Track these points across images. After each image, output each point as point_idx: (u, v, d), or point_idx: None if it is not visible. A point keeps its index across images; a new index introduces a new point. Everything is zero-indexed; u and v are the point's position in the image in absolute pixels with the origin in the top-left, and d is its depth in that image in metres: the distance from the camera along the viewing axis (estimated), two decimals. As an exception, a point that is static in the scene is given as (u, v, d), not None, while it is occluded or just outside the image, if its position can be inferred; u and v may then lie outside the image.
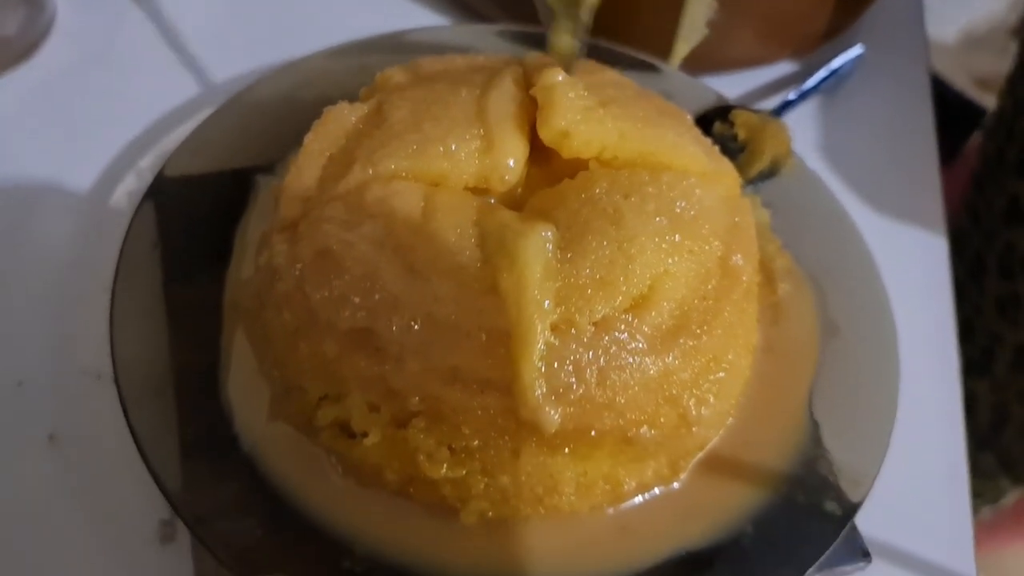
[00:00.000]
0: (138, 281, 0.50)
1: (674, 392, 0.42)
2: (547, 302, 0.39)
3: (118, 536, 0.47)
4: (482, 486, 0.42)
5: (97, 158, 0.61)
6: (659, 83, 0.62)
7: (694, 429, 0.44)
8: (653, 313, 0.41)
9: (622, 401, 0.40)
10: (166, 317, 0.49)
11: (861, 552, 0.48)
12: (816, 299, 0.54)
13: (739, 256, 0.45)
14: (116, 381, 0.46)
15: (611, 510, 0.45)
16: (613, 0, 0.48)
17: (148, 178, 0.56)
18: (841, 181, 0.65)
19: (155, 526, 0.48)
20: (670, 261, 0.42)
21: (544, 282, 0.39)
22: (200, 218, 0.54)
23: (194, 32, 0.69)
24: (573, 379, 0.39)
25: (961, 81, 1.63)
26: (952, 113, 1.64)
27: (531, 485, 0.43)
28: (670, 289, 0.42)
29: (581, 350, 0.40)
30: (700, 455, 0.47)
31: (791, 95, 0.67)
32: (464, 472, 0.42)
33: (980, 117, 1.57)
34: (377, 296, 0.40)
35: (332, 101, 0.50)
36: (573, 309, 0.40)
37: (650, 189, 0.43)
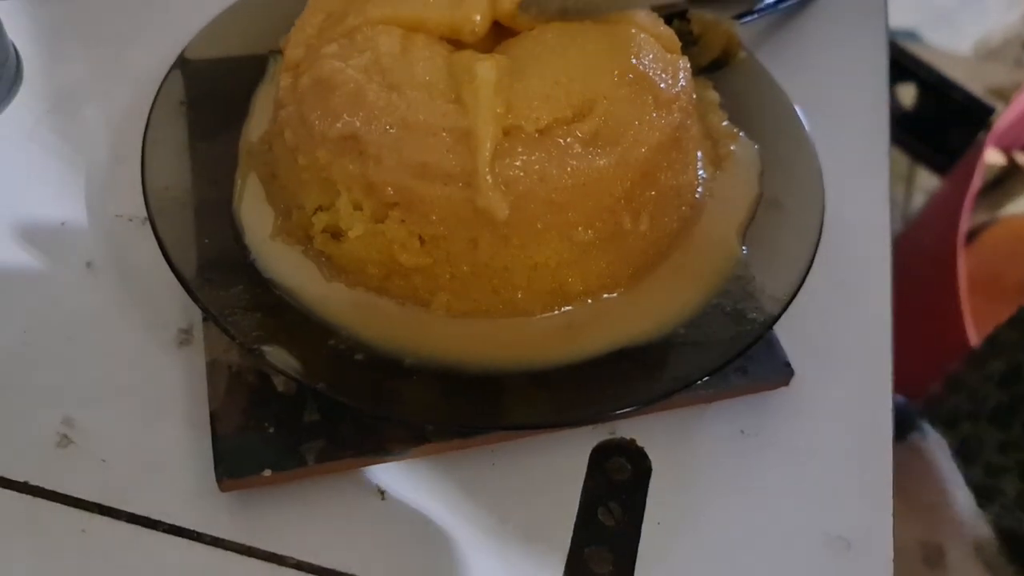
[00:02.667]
0: (167, 134, 0.58)
1: (608, 202, 0.50)
2: (498, 109, 0.47)
3: (144, 341, 0.55)
4: (447, 276, 0.50)
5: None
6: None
7: (631, 240, 0.51)
8: (590, 124, 0.49)
9: (561, 199, 0.48)
10: (190, 161, 0.58)
11: (783, 364, 0.55)
12: (754, 158, 0.61)
13: (675, 89, 0.53)
14: (146, 201, 0.54)
15: (558, 311, 0.52)
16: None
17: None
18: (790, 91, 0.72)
19: (174, 333, 0.55)
20: (608, 86, 0.50)
21: (497, 94, 0.47)
22: (220, 87, 0.62)
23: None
24: (521, 173, 0.47)
25: (975, 91, 1.68)
26: (960, 110, 1.69)
27: (488, 276, 0.50)
28: (607, 110, 0.50)
29: (526, 150, 0.48)
30: (640, 267, 0.54)
31: (754, 8, 0.74)
32: (431, 261, 0.50)
33: (988, 115, 1.63)
34: (361, 109, 0.49)
35: None
36: (521, 116, 0.48)
37: (593, 33, 0.51)
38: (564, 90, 0.49)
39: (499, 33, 0.54)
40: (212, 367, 0.51)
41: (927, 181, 1.78)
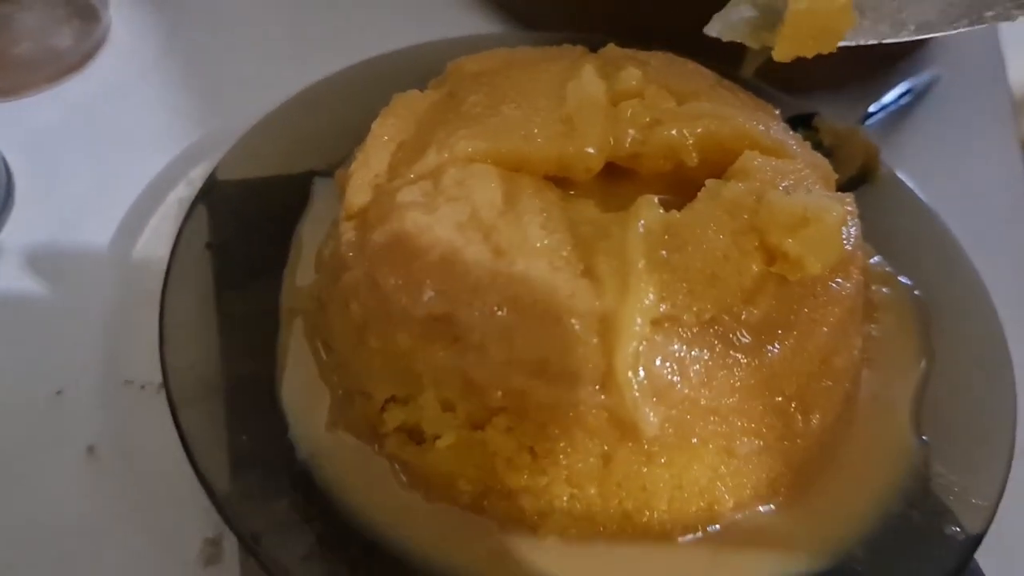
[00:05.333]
0: (189, 286, 0.47)
1: (780, 399, 0.38)
2: (650, 296, 0.35)
3: (159, 558, 0.43)
4: (566, 497, 0.38)
5: (147, 168, 0.58)
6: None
7: (799, 441, 0.40)
8: (761, 306, 0.37)
9: (728, 404, 0.36)
10: (218, 323, 0.46)
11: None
12: (913, 307, 0.49)
13: (850, 241, 0.41)
14: (166, 385, 0.42)
15: (703, 533, 0.40)
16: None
17: (199, 185, 0.53)
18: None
19: (199, 546, 0.43)
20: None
21: (648, 272, 0.35)
22: (254, 222, 0.50)
23: (247, 47, 0.67)
24: (676, 377, 0.36)
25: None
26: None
27: (621, 498, 0.38)
28: (778, 283, 0.38)
29: (684, 347, 0.36)
30: (803, 472, 0.42)
31: (871, 107, 0.63)
32: (547, 481, 0.38)
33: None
34: (458, 279, 0.37)
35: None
36: (680, 305, 0.36)
37: (761, 174, 0.40)
38: (735, 266, 0.37)
39: (609, 173, 0.43)
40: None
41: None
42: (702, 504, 0.40)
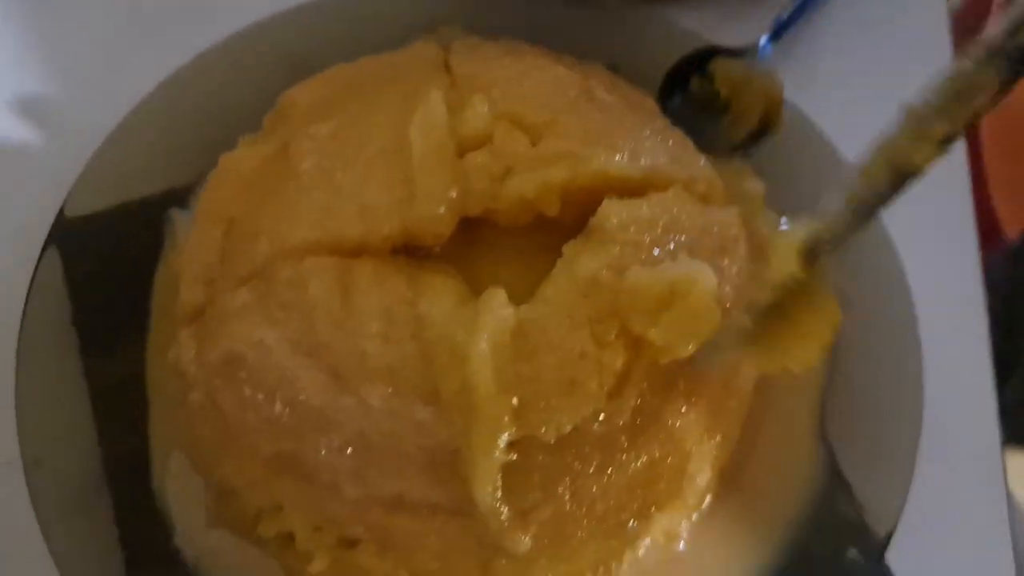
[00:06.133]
0: (46, 355, 0.43)
1: (664, 480, 0.36)
2: (502, 421, 0.32)
3: None
4: (454, 597, 0.37)
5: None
6: (623, 29, 0.52)
7: (690, 503, 0.38)
8: (632, 399, 0.34)
9: (602, 509, 0.34)
10: (88, 400, 0.43)
11: (887, 583, 0.43)
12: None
13: (726, 288, 0.38)
14: (32, 500, 0.40)
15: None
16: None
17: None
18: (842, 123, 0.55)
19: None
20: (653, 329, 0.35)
21: (497, 396, 0.32)
22: (112, 268, 0.46)
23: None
24: (540, 494, 0.33)
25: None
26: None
27: (508, 592, 0.37)
28: (644, 365, 0.35)
29: (548, 461, 0.33)
30: (700, 512, 0.41)
31: (782, 16, 0.55)
32: (430, 590, 0.37)
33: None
34: (300, 417, 0.34)
35: (244, 107, 0.43)
36: (535, 423, 0.33)
37: (623, 234, 0.36)
38: (594, 365, 0.34)
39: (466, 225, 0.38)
40: None
41: None
42: (597, 565, 0.38)
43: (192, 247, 0.39)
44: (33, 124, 0.54)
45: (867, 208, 0.32)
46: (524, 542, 0.33)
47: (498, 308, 0.34)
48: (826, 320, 0.35)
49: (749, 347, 0.35)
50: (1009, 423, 0.58)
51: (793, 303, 0.34)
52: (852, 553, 0.40)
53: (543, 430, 0.33)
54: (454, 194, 0.37)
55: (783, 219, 0.48)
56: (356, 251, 0.37)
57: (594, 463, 0.34)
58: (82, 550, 0.39)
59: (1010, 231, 0.88)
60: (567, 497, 0.34)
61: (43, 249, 0.46)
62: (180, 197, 0.48)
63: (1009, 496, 0.47)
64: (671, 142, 0.41)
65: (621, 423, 0.34)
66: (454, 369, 0.33)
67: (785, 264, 0.33)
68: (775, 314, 0.34)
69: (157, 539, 0.40)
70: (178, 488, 0.41)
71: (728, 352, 0.35)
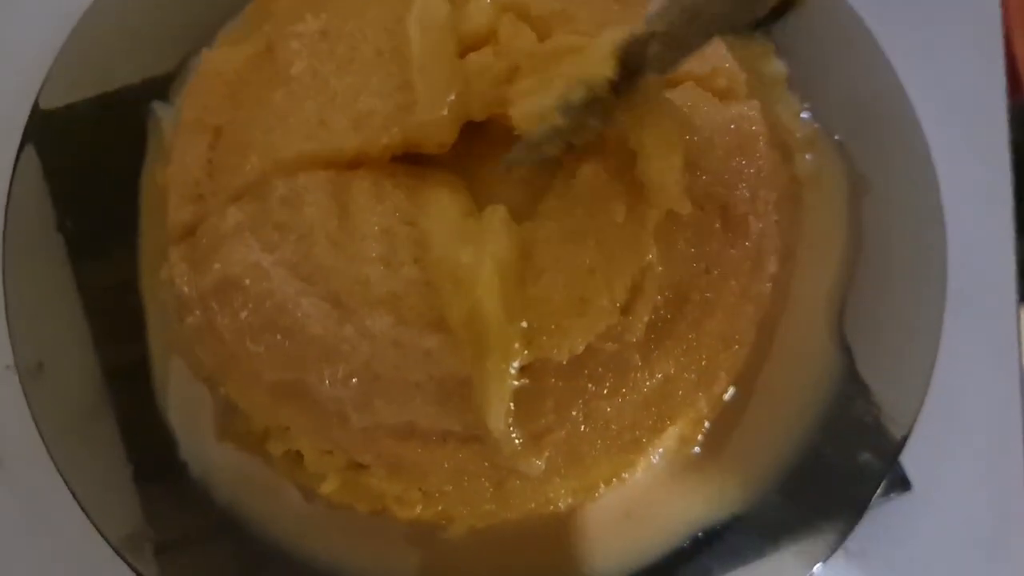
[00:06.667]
0: (32, 260, 0.42)
1: (680, 395, 0.35)
2: (512, 348, 0.31)
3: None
4: (465, 512, 0.37)
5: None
6: None
7: (705, 412, 0.37)
8: (639, 315, 0.33)
9: (616, 428, 0.34)
10: (81, 307, 0.42)
11: (900, 480, 0.43)
12: (842, 179, 0.44)
13: (749, 181, 0.36)
14: (30, 404, 0.39)
15: (613, 495, 0.39)
16: None
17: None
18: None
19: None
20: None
21: (507, 324, 0.31)
22: (95, 168, 0.44)
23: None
24: (554, 418, 0.32)
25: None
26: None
27: (519, 504, 0.37)
28: (660, 281, 0.33)
29: (561, 384, 0.32)
30: (718, 418, 0.40)
31: None
32: (441, 507, 0.36)
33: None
34: (302, 341, 0.32)
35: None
36: (546, 346, 0.31)
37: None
38: (603, 278, 0.32)
39: (472, 134, 0.36)
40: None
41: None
42: (607, 486, 0.38)
43: (177, 160, 0.36)
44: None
45: (694, 11, 0.28)
46: (538, 465, 0.33)
47: (501, 227, 0.32)
48: (663, 142, 0.32)
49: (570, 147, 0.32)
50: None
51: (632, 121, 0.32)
52: (866, 457, 0.40)
53: (555, 352, 0.32)
54: (456, 97, 0.34)
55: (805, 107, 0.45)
56: (353, 163, 0.34)
57: (608, 383, 0.33)
58: (89, 463, 0.39)
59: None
60: (581, 419, 0.33)
61: (21, 146, 0.44)
62: (161, 87, 0.45)
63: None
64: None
65: (635, 340, 0.33)
66: (460, 298, 0.31)
67: (599, 66, 0.30)
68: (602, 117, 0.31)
69: (163, 453, 0.39)
70: (181, 401, 0.41)
71: (543, 151, 0.33)
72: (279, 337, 0.33)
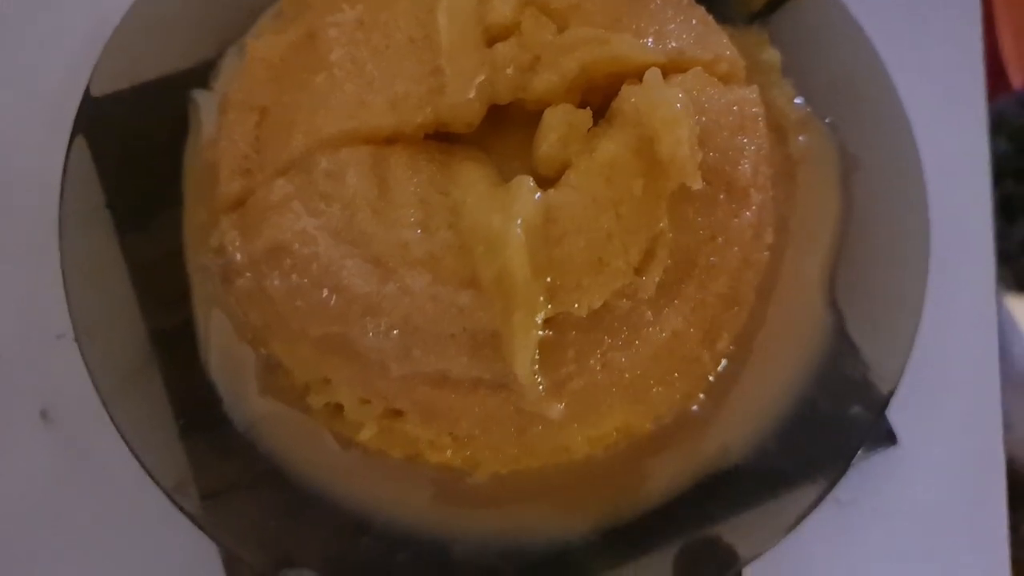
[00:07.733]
0: (87, 235, 0.45)
1: (687, 351, 0.39)
2: (538, 301, 0.34)
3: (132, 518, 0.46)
4: (490, 457, 0.41)
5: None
6: None
7: (710, 377, 0.41)
8: (652, 275, 0.36)
9: (630, 377, 0.37)
10: (129, 277, 0.45)
11: (886, 432, 0.47)
12: (834, 158, 0.48)
13: (750, 158, 0.39)
14: (89, 372, 0.43)
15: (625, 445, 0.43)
16: None
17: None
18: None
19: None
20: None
21: (533, 279, 0.34)
22: (139, 151, 0.47)
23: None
24: (574, 367, 0.36)
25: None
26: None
27: (540, 451, 0.41)
28: (670, 245, 0.37)
29: (580, 337, 0.36)
30: (716, 377, 0.44)
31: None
32: (469, 452, 0.40)
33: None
34: (346, 298, 0.36)
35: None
36: (567, 300, 0.35)
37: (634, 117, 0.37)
38: (620, 244, 0.36)
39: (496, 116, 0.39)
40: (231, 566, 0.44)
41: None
42: (620, 435, 0.42)
43: (227, 137, 0.40)
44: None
45: None
46: (559, 409, 0.36)
47: (528, 194, 0.35)
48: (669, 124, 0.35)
49: None
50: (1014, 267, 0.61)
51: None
52: (856, 410, 0.43)
53: (576, 306, 0.35)
54: (482, 82, 0.38)
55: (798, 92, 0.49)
56: (390, 140, 0.38)
57: (622, 337, 0.37)
58: (140, 419, 0.42)
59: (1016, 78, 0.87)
60: (598, 368, 0.36)
61: (73, 132, 0.47)
62: (200, 76, 0.48)
63: (1004, 352, 0.50)
64: (694, 20, 0.41)
65: (647, 298, 0.36)
66: (491, 257, 0.35)
67: None
68: None
69: (208, 408, 0.43)
70: (224, 360, 0.44)
71: None
72: (325, 294, 0.36)
